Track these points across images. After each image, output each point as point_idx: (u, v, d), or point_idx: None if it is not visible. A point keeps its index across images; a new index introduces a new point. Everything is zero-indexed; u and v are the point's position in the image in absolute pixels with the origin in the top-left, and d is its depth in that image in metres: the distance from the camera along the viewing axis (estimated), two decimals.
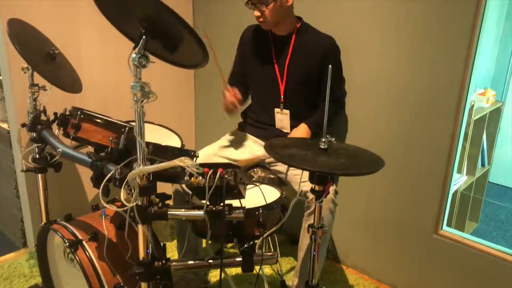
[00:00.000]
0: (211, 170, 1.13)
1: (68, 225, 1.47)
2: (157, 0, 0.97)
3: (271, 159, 1.88)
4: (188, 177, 1.12)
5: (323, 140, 1.20)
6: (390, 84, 1.84)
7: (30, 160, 1.65)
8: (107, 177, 1.20)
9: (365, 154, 1.25)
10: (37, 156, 1.63)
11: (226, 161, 1.85)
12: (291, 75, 1.81)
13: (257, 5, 1.68)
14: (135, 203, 1.15)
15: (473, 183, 2.58)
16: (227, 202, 1.21)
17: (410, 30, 1.74)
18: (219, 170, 1.13)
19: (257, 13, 1.70)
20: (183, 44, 1.11)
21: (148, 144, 1.30)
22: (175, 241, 2.03)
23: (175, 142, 1.95)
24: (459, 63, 1.64)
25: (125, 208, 1.16)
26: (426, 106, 1.76)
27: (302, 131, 1.78)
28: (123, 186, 1.16)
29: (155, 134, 2.02)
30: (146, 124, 2.12)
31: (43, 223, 1.53)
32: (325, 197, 1.22)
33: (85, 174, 2.25)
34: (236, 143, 1.93)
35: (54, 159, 1.64)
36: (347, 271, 2.16)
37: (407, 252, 1.94)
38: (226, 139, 1.96)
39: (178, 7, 2.54)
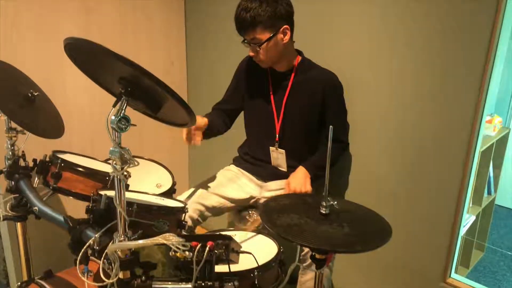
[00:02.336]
0: (200, 244, 1.01)
1: (46, 285, 1.35)
2: (135, 64, 0.85)
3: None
4: (173, 252, 1.01)
5: (324, 204, 1.09)
6: (394, 120, 1.73)
7: (8, 208, 1.54)
8: (85, 246, 1.09)
9: (370, 218, 1.14)
10: (15, 203, 1.52)
11: (223, 200, 1.75)
12: (289, 113, 1.70)
13: (251, 44, 1.57)
14: (115, 279, 1.04)
15: (479, 214, 2.46)
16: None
17: (414, 59, 1.63)
18: (209, 244, 1.02)
19: (251, 53, 1.60)
20: (166, 105, 1.00)
21: (131, 203, 1.19)
22: None
23: (165, 179, 1.84)
24: (471, 95, 1.51)
25: (104, 283, 1.04)
26: (433, 143, 1.64)
27: (300, 176, 1.65)
28: (102, 260, 1.05)
29: (145, 170, 1.90)
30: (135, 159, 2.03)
31: (19, 283, 1.41)
32: (327, 265, 1.11)
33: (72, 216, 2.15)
34: (231, 181, 1.81)
35: None
36: None
37: None
38: (221, 176, 1.85)
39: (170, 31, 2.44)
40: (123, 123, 0.96)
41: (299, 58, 1.69)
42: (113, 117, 0.96)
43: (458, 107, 1.56)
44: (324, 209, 1.08)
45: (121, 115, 0.96)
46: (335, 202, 1.09)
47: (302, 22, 1.77)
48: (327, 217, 1.08)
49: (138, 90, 0.96)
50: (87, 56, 0.97)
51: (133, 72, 0.90)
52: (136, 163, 1.00)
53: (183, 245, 0.97)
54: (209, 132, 1.67)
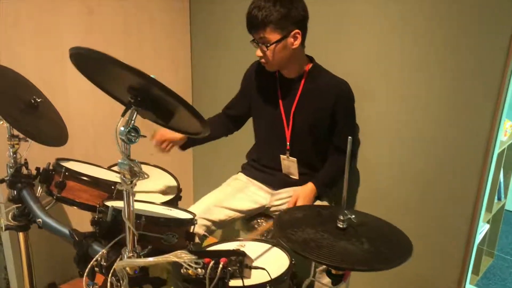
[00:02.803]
0: (213, 261, 0.96)
1: None
2: (145, 74, 0.81)
3: (276, 207, 1.73)
4: (185, 269, 0.96)
5: (342, 218, 1.04)
6: (406, 126, 1.69)
7: (10, 217, 1.49)
8: (92, 261, 1.04)
9: (389, 231, 1.09)
10: (18, 213, 1.47)
11: (231, 212, 1.69)
12: (298, 121, 1.64)
13: (259, 44, 1.52)
14: None
15: (490, 220, 2.42)
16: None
17: (427, 64, 1.58)
18: (222, 261, 0.97)
19: (258, 53, 1.54)
20: (178, 114, 0.95)
21: (139, 216, 1.14)
22: None
23: (171, 186, 1.79)
24: (488, 101, 1.46)
25: None
26: (448, 151, 1.59)
27: (308, 194, 1.63)
28: (110, 275, 1.00)
29: (150, 177, 1.86)
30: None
31: None
32: (344, 281, 1.06)
33: (77, 226, 2.10)
34: (239, 191, 1.76)
35: None
36: None
37: None
38: (228, 186, 1.79)
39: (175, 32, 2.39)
40: (132, 134, 0.91)
41: (310, 64, 1.64)
42: (122, 128, 0.91)
43: (475, 113, 1.51)
44: (341, 223, 1.03)
45: (131, 126, 0.91)
46: (353, 216, 1.05)
47: (312, 26, 1.72)
48: (345, 231, 1.03)
49: (148, 99, 0.91)
50: (93, 64, 0.92)
51: (142, 82, 0.85)
52: (146, 176, 0.95)
53: (196, 263, 0.92)
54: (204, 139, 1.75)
